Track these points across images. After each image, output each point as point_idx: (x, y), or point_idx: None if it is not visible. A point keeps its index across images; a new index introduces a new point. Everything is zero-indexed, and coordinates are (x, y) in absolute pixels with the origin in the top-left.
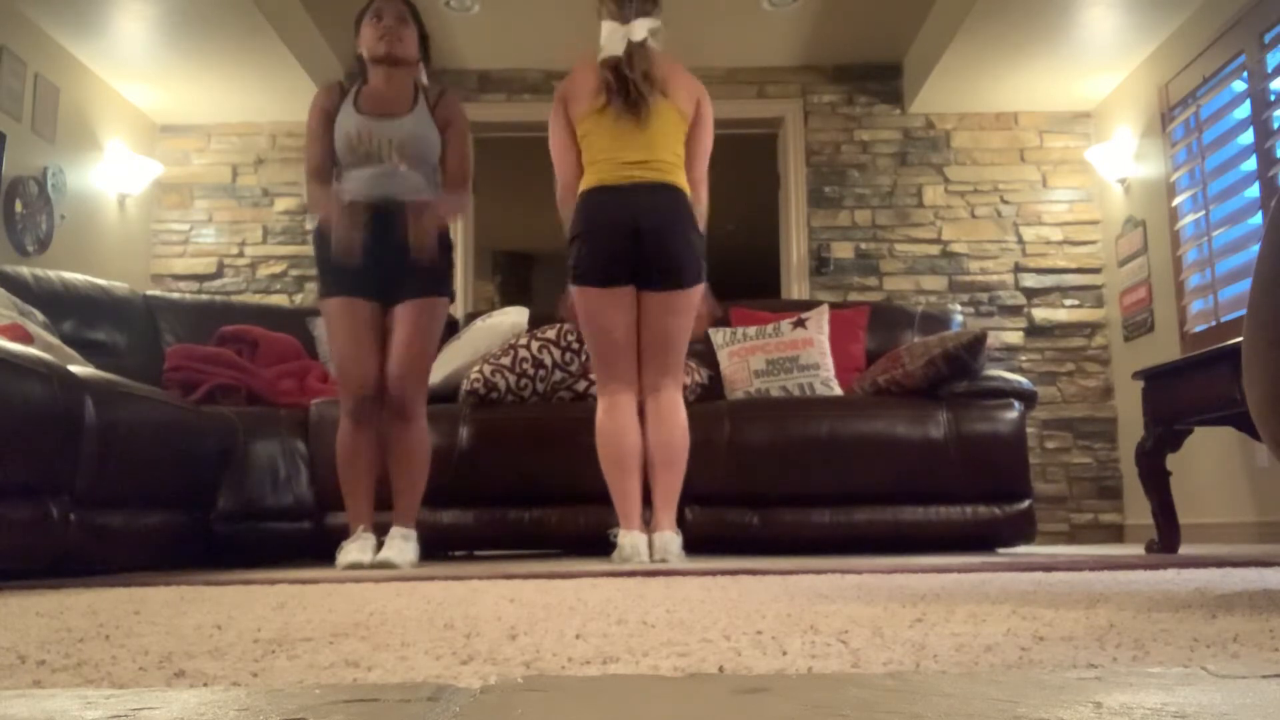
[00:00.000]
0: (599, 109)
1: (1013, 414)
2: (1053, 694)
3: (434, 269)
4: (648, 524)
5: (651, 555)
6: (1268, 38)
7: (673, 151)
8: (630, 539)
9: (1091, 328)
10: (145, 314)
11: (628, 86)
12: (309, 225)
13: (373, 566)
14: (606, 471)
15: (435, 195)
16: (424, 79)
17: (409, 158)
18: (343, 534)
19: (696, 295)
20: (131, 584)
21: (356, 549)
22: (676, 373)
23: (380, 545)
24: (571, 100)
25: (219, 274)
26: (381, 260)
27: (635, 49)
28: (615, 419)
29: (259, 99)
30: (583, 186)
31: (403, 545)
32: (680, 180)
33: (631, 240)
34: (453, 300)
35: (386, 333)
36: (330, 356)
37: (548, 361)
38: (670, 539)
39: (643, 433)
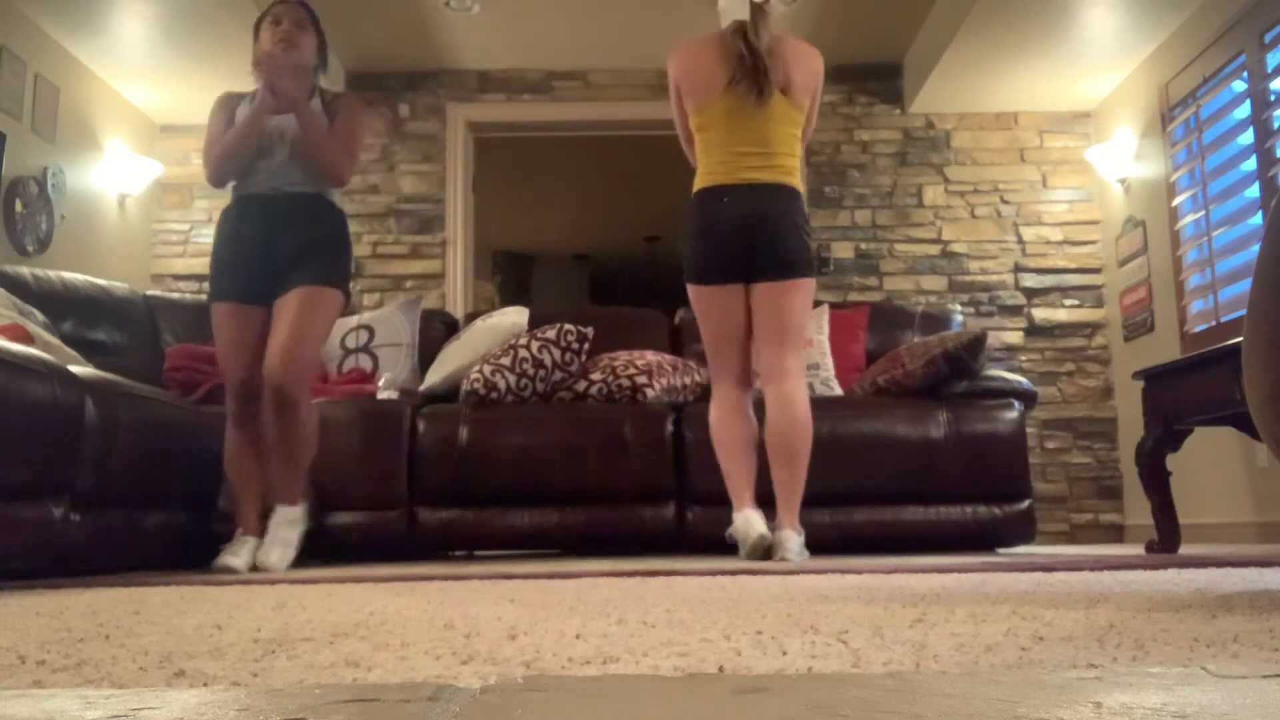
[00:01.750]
0: (720, 92)
1: (1013, 414)
2: (1053, 694)
3: (323, 261)
4: (769, 518)
5: (772, 553)
6: (1268, 38)
7: (791, 151)
8: (743, 516)
9: (1091, 328)
10: (145, 314)
11: (757, 62)
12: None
13: (249, 570)
14: (721, 462)
15: (328, 188)
16: (321, 82)
17: (300, 151)
18: (342, 534)
19: (810, 285)
20: (131, 584)
21: (231, 553)
22: (797, 355)
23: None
24: (687, 88)
25: None
26: (271, 257)
27: (759, 14)
28: (727, 415)
29: None
30: (698, 185)
31: (283, 540)
32: (797, 182)
33: (745, 236)
34: (347, 300)
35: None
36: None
37: (548, 361)
38: (790, 537)
39: (760, 424)
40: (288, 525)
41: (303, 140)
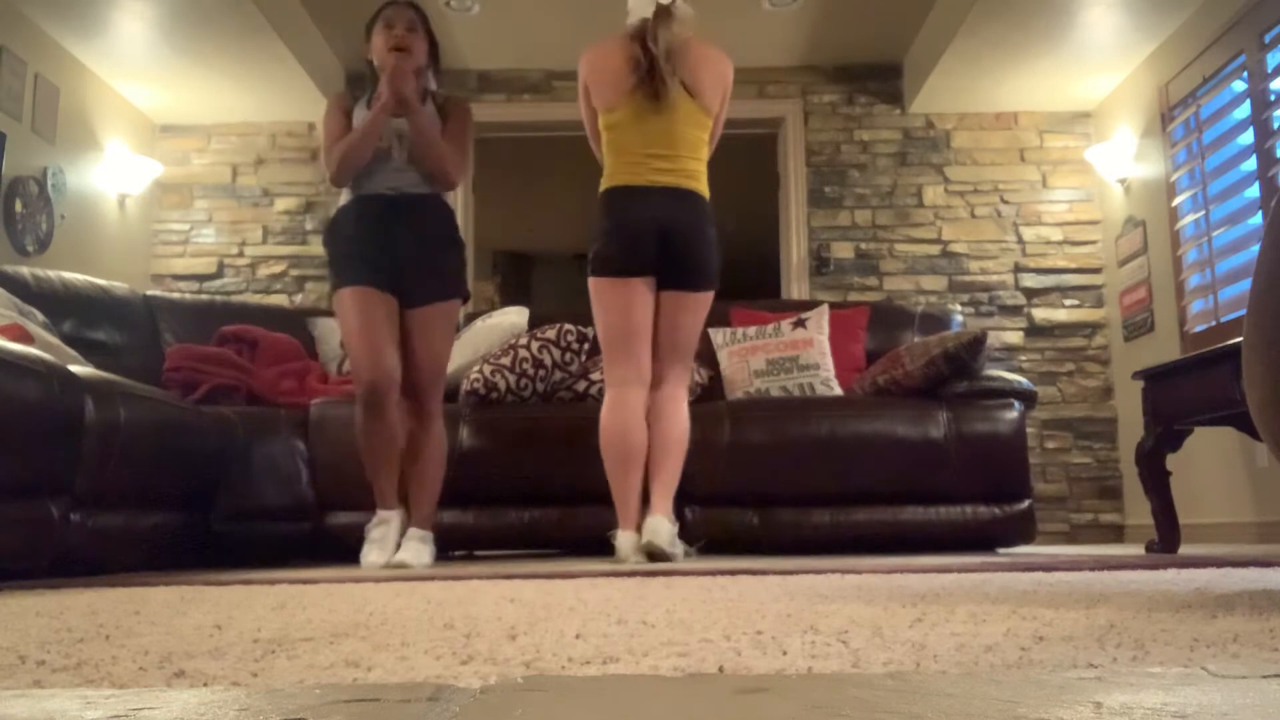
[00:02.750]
0: (627, 93)
1: (1013, 414)
2: (1053, 694)
3: (448, 270)
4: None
5: (639, 539)
6: (1268, 38)
7: (696, 155)
8: (628, 538)
9: (1091, 328)
10: (145, 314)
11: (654, 66)
12: (309, 225)
13: (388, 567)
14: (608, 467)
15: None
16: (433, 84)
17: (415, 153)
18: (344, 533)
19: (710, 298)
20: (131, 584)
21: (377, 550)
22: (684, 370)
23: (404, 527)
24: (594, 86)
25: (219, 274)
26: (395, 255)
27: (662, 15)
28: (620, 414)
29: (259, 99)
30: (605, 184)
31: (419, 547)
32: (703, 186)
33: (654, 238)
34: (468, 299)
35: (404, 331)
36: (344, 346)
37: (548, 361)
38: (661, 522)
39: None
40: (421, 541)
41: (417, 145)
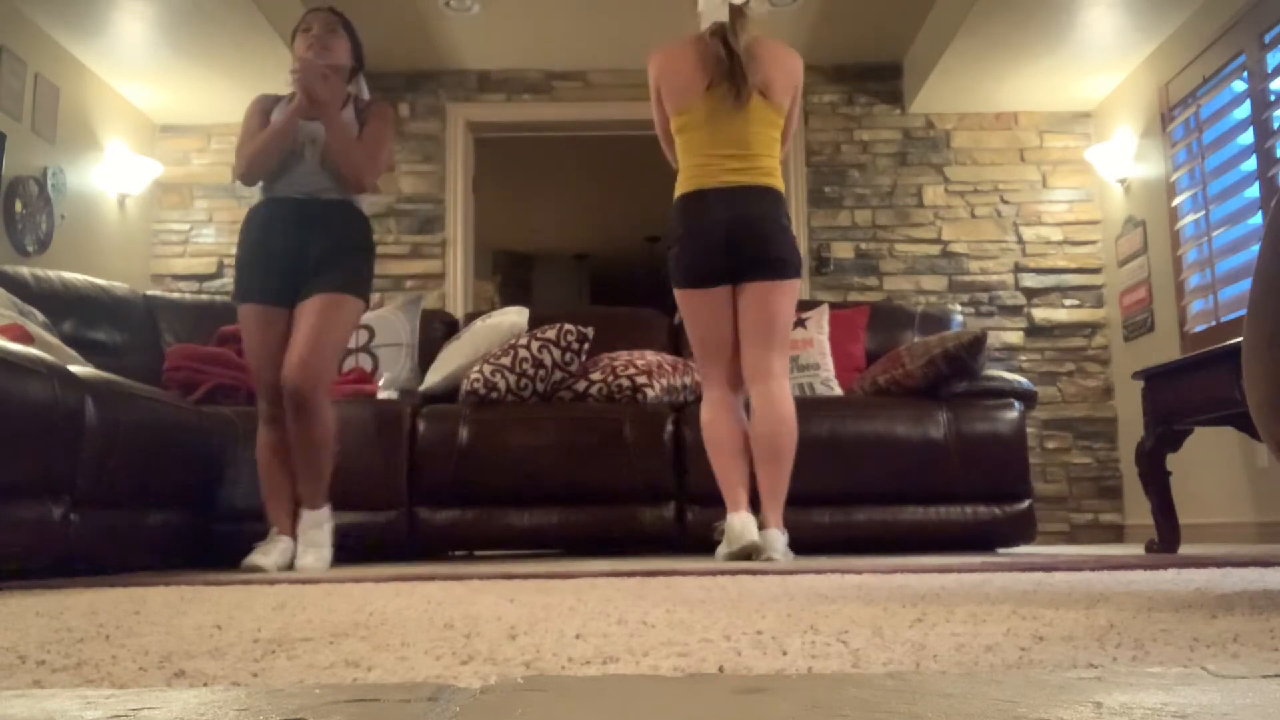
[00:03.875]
0: (701, 94)
1: (1013, 414)
2: (1053, 694)
3: (347, 268)
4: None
5: (756, 554)
6: (1268, 38)
7: (770, 153)
8: (739, 518)
9: (1091, 328)
10: (145, 314)
11: (735, 65)
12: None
13: (280, 571)
14: (713, 463)
15: (356, 196)
16: (364, 90)
17: (327, 157)
18: (344, 533)
19: (795, 287)
20: (131, 584)
21: (262, 552)
22: (782, 356)
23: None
24: (667, 88)
25: (219, 274)
26: (300, 260)
27: (737, 15)
28: (719, 417)
29: None
30: (680, 190)
31: (316, 543)
32: (778, 182)
33: (731, 239)
34: (367, 307)
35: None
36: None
37: (548, 361)
38: (775, 536)
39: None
40: (315, 528)
41: (328, 147)
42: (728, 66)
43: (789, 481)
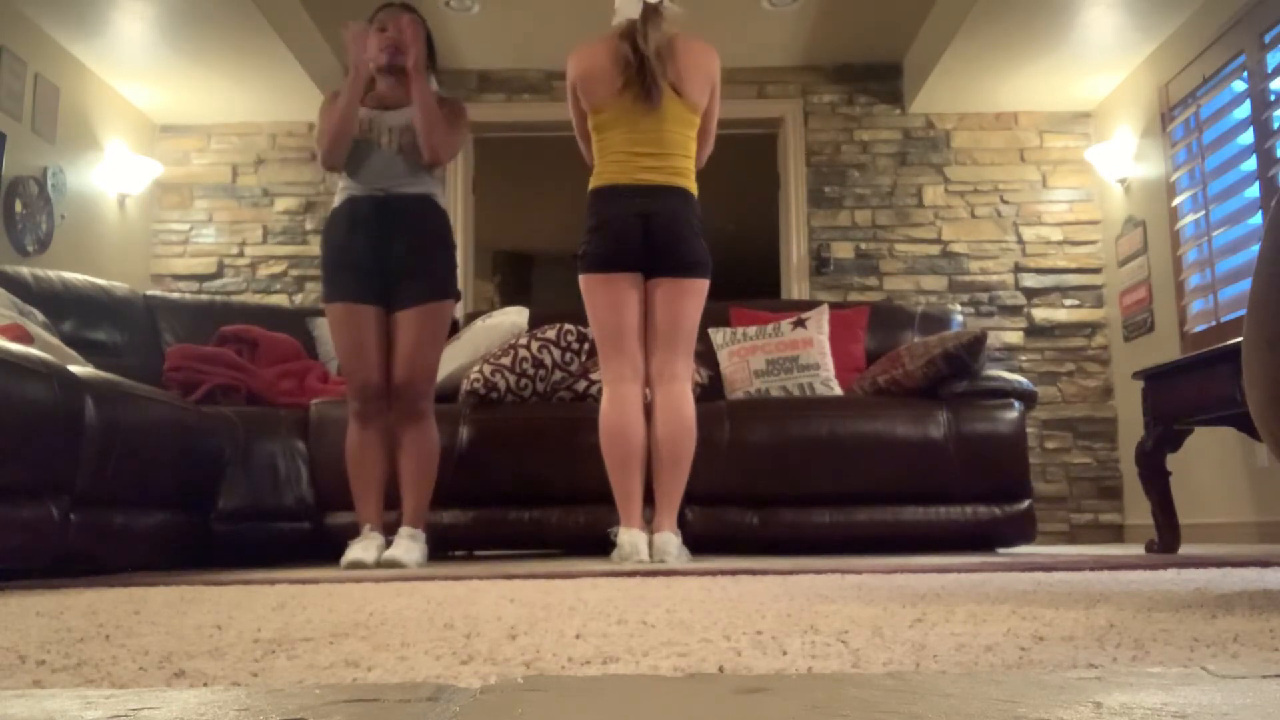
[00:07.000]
0: (615, 93)
1: (1013, 414)
2: (1053, 694)
3: (437, 272)
4: (648, 521)
5: (651, 555)
6: (1268, 38)
7: (685, 153)
8: (630, 536)
9: (1091, 328)
10: (145, 314)
11: (644, 65)
12: (309, 225)
13: (378, 565)
14: (609, 466)
15: (436, 189)
16: (434, 85)
17: (406, 146)
18: (344, 533)
19: (703, 288)
20: (131, 584)
21: (360, 548)
22: (687, 359)
23: (388, 545)
24: (583, 87)
25: (219, 274)
26: (384, 260)
27: (650, 14)
28: (620, 412)
29: (259, 99)
30: (595, 184)
31: (410, 545)
32: (690, 184)
33: (641, 232)
34: (459, 299)
35: (392, 335)
36: (336, 358)
37: (548, 361)
38: (669, 539)
39: (648, 426)
40: (411, 539)
41: (416, 112)
42: (637, 67)
43: (685, 486)
